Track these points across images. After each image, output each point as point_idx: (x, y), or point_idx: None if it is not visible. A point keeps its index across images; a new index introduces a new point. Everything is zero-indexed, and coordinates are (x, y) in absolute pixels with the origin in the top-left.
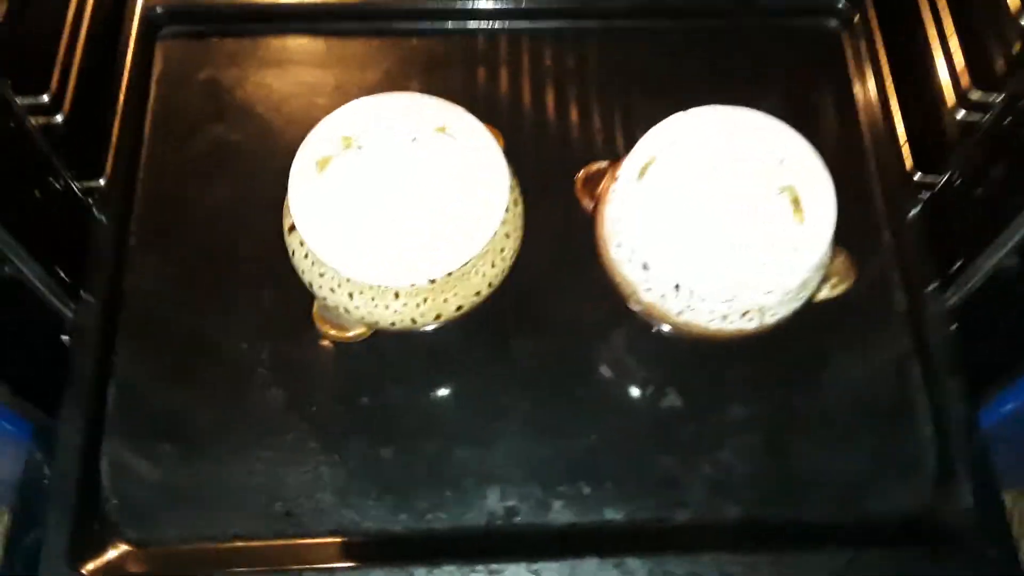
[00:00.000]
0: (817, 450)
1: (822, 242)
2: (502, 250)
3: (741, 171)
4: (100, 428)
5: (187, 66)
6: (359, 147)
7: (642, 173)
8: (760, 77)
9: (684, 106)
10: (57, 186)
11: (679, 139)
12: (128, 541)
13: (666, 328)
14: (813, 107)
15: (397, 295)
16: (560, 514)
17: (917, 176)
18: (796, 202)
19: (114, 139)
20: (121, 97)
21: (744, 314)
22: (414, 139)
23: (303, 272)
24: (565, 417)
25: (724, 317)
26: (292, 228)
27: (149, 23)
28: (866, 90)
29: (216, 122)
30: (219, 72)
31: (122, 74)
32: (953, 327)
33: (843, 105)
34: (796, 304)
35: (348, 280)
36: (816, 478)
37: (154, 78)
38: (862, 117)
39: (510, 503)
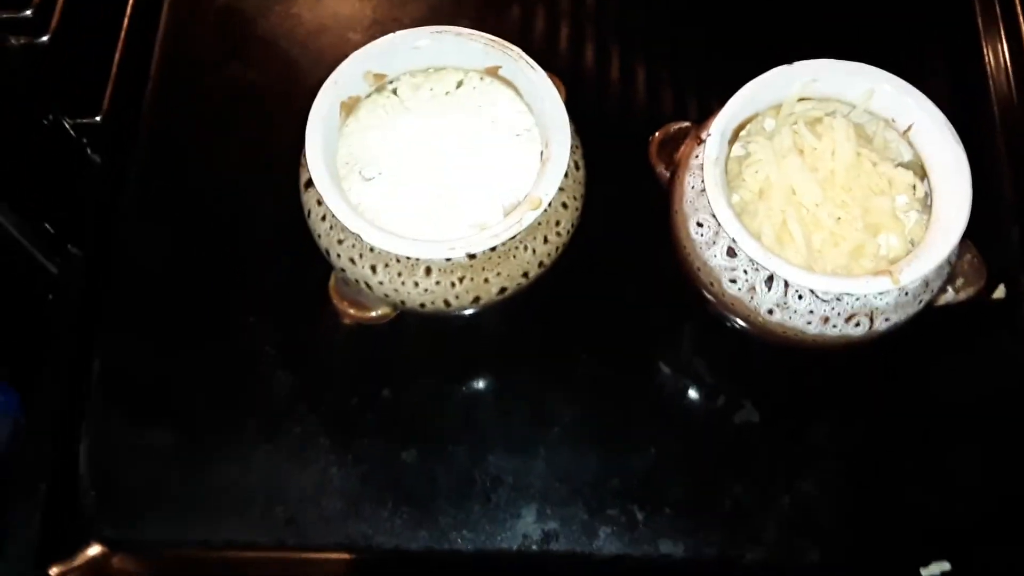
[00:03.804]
0: (921, 487)
1: (950, 235)
2: (558, 223)
3: (856, 140)
4: (80, 407)
5: None
6: (393, 89)
7: (735, 135)
8: (865, 32)
9: (782, 60)
10: (43, 121)
11: (781, 96)
12: (105, 541)
13: (746, 327)
14: (931, 70)
15: (429, 271)
16: (607, 543)
17: None
18: (917, 185)
19: (114, 70)
20: (125, 21)
21: (851, 318)
22: (459, 83)
23: (319, 237)
24: (620, 426)
25: (826, 320)
26: (309, 183)
27: None
28: (998, 54)
29: (233, 57)
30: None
31: None
32: None
33: (969, 70)
34: (914, 309)
35: (371, 250)
36: (918, 520)
37: (167, 1)
38: (992, 85)
39: (549, 526)
